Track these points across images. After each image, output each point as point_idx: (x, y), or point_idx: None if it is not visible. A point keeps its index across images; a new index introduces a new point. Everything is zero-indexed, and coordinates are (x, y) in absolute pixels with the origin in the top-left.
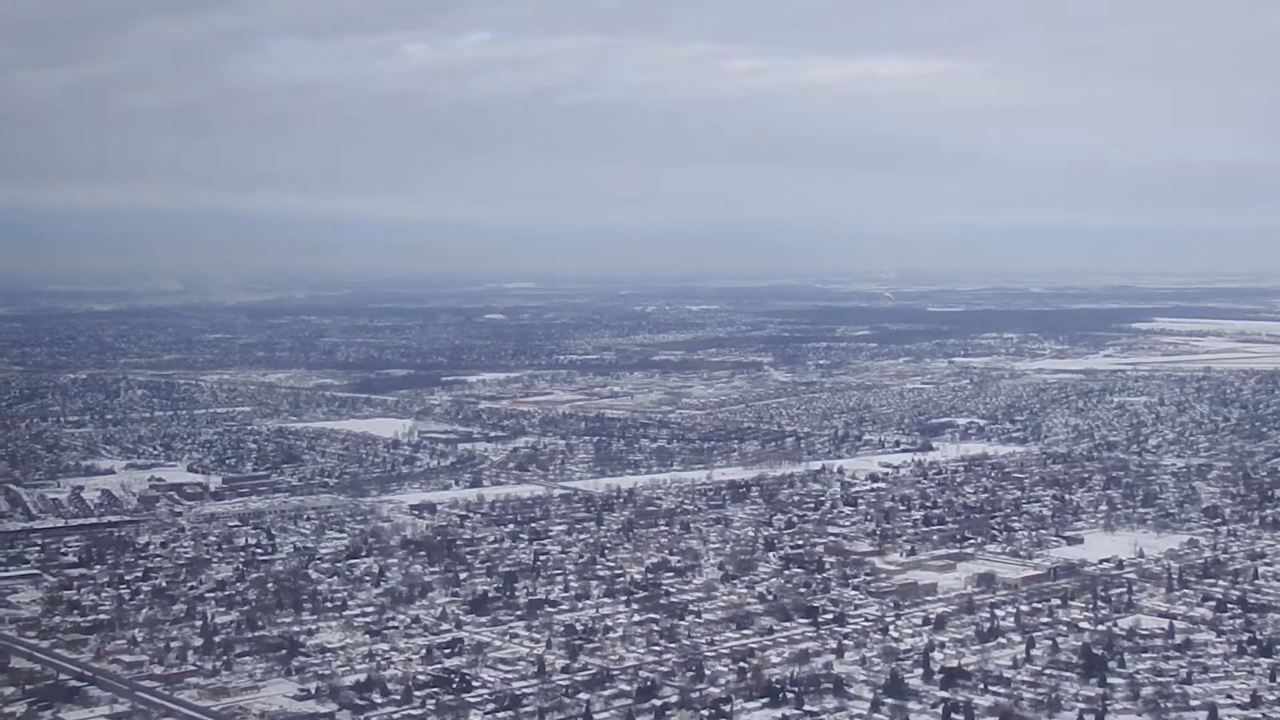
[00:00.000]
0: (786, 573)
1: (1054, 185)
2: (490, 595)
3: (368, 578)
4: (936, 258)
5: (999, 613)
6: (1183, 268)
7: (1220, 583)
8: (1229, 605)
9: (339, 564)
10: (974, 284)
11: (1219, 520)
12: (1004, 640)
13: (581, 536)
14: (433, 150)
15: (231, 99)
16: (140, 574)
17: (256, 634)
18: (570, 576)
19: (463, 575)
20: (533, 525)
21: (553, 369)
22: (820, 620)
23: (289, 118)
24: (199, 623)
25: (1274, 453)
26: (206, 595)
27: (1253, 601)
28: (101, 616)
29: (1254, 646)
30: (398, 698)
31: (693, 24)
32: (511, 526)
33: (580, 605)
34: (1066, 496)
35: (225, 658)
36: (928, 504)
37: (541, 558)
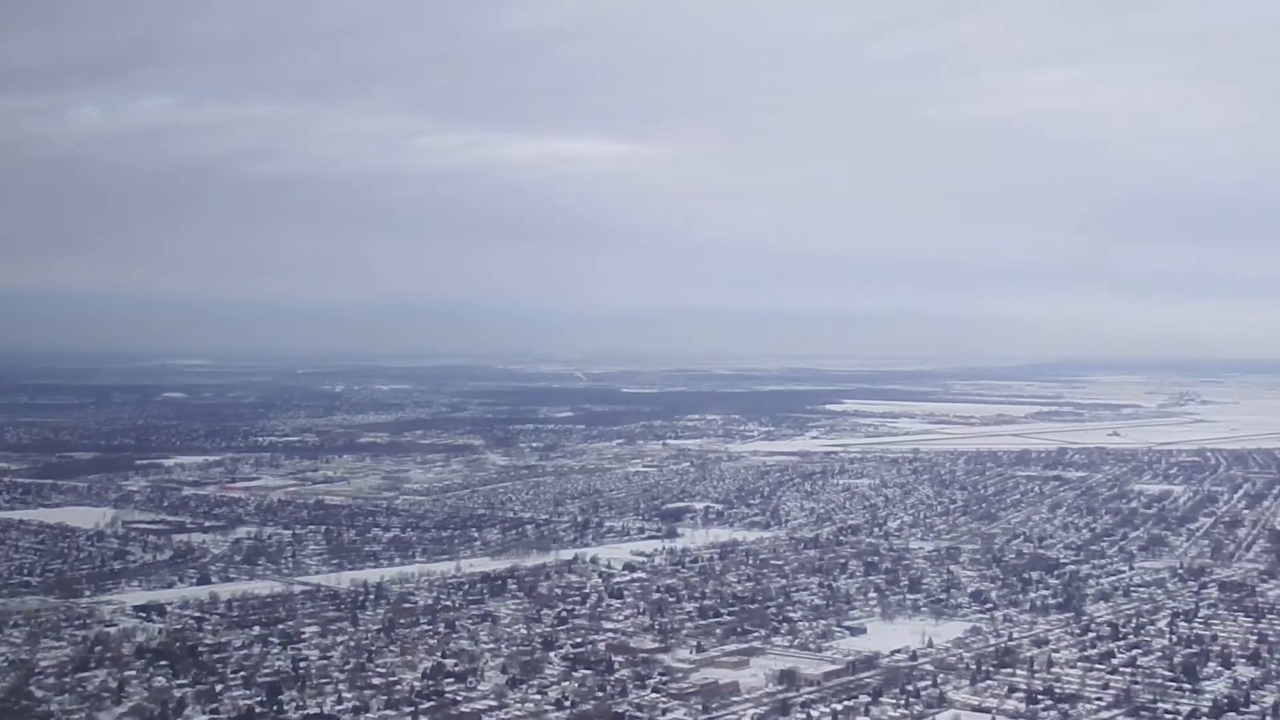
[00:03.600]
0: (575, 675)
1: (727, 267)
2: (256, 711)
3: (105, 694)
4: (615, 338)
5: (814, 713)
6: (847, 349)
7: (1019, 672)
8: (1038, 696)
9: (66, 679)
10: (658, 365)
11: (989, 605)
12: None
13: (339, 639)
14: (91, 218)
15: None
16: None
17: None
18: (341, 686)
19: (218, 688)
20: (281, 627)
21: (254, 452)
22: None
23: None
24: None
25: (1011, 534)
26: None
27: (1059, 691)
28: None
29: None
30: None
31: (389, 96)
32: (258, 629)
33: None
34: (832, 584)
35: None
36: (696, 595)
37: (302, 665)
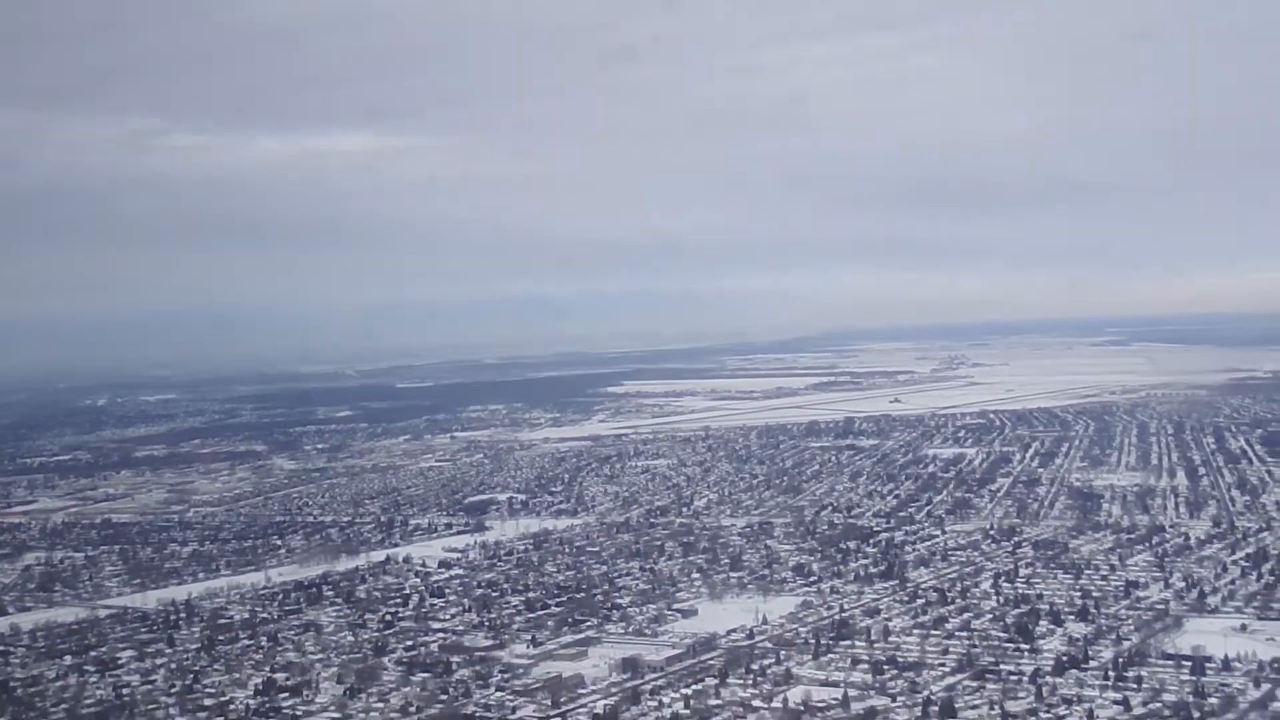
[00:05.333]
0: (414, 679)
1: (494, 257)
2: None
3: None
4: (379, 335)
5: (664, 699)
6: (613, 331)
7: (858, 643)
8: (883, 666)
9: None
10: (427, 359)
11: (814, 578)
12: None
13: (159, 662)
14: None
15: None
16: None
17: None
18: (173, 710)
19: None
20: (94, 654)
21: (23, 474)
22: None
23: None
24: None
25: (819, 505)
26: None
27: (902, 660)
28: None
29: (935, 708)
30: None
31: (127, 99)
32: (70, 658)
33: None
34: (654, 568)
35: None
36: (519, 588)
37: (125, 692)
